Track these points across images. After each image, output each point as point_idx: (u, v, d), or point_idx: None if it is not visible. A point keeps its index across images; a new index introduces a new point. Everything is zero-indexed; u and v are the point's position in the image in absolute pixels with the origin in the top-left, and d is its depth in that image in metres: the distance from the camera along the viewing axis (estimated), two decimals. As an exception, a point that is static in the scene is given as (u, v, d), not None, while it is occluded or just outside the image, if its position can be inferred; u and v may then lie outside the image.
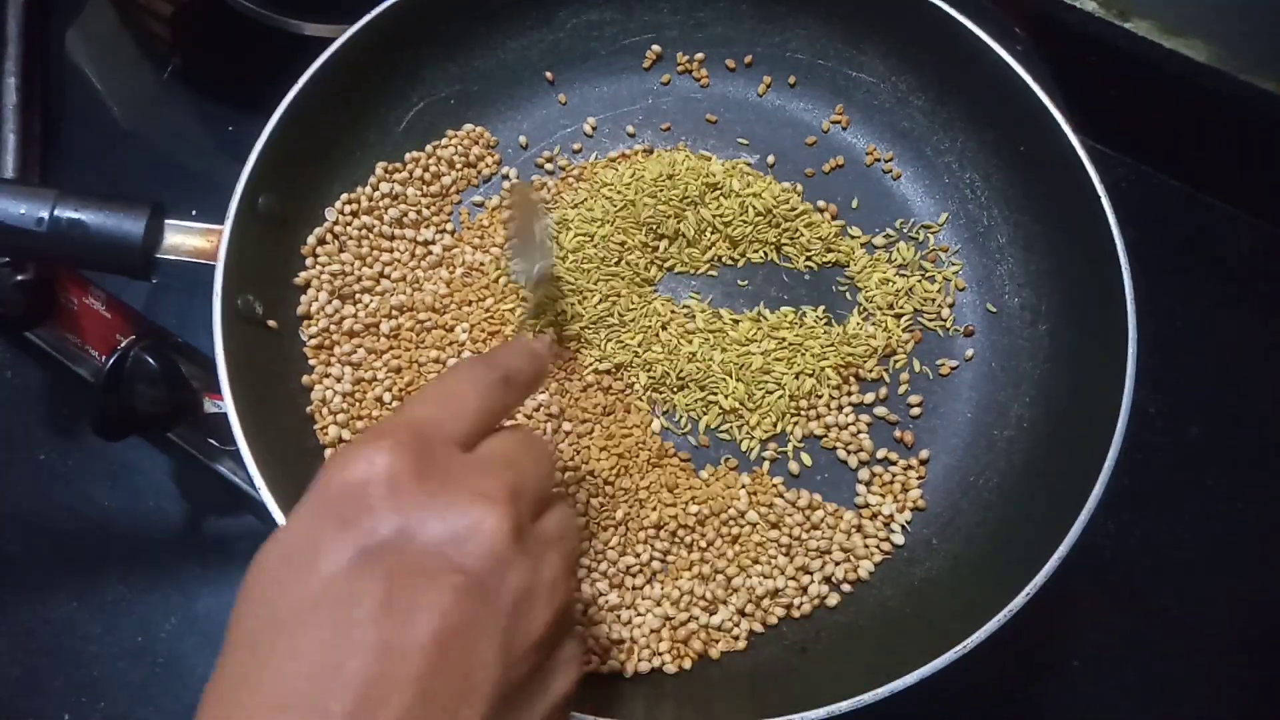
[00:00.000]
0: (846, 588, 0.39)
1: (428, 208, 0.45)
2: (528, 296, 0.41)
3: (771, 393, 0.42)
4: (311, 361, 0.42)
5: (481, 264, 0.44)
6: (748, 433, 0.41)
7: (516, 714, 0.22)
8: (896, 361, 0.43)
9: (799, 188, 0.47)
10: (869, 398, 0.43)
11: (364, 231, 0.44)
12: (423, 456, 0.23)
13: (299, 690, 0.19)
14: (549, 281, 0.39)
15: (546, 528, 0.24)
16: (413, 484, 0.22)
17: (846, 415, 0.42)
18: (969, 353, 0.44)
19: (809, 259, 0.45)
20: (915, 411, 0.43)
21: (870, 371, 0.43)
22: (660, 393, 0.42)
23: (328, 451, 0.40)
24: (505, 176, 0.47)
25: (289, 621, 0.20)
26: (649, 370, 0.42)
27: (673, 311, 0.43)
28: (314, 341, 0.42)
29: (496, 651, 0.21)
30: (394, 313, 0.43)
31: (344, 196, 0.44)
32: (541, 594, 0.23)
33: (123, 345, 0.44)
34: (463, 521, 0.22)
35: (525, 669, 0.22)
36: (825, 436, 0.42)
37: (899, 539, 0.40)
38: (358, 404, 0.41)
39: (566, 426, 0.40)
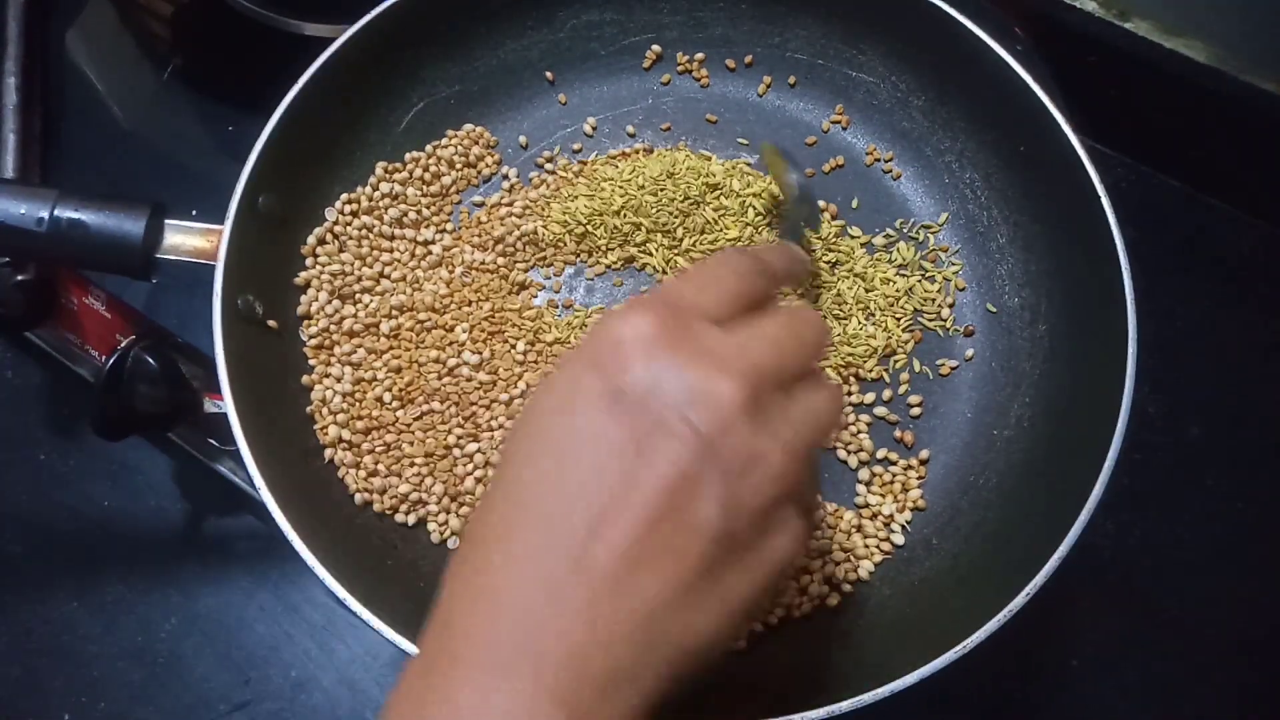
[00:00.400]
0: (846, 588, 0.39)
1: (428, 208, 0.45)
2: (788, 212, 0.42)
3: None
4: (311, 361, 0.42)
5: (482, 263, 0.44)
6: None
7: (735, 562, 0.23)
8: (896, 361, 0.43)
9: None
10: (869, 398, 0.43)
11: (364, 231, 0.44)
12: (677, 325, 0.24)
13: (545, 501, 0.23)
14: (803, 218, 0.41)
15: (792, 404, 0.25)
16: (664, 346, 0.24)
17: (846, 415, 0.42)
18: (969, 353, 0.44)
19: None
20: (915, 411, 0.43)
21: (870, 371, 0.43)
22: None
23: (328, 452, 0.40)
24: (505, 176, 0.47)
25: (547, 447, 0.24)
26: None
27: None
28: (314, 341, 0.42)
29: (717, 504, 0.23)
30: (394, 313, 0.43)
31: (344, 196, 0.44)
32: (764, 464, 0.24)
33: (123, 345, 0.44)
34: (699, 385, 0.23)
35: (743, 527, 0.23)
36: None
37: (899, 539, 0.40)
38: (358, 404, 0.41)
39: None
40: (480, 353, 0.42)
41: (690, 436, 0.23)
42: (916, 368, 0.43)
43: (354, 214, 0.44)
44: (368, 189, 0.45)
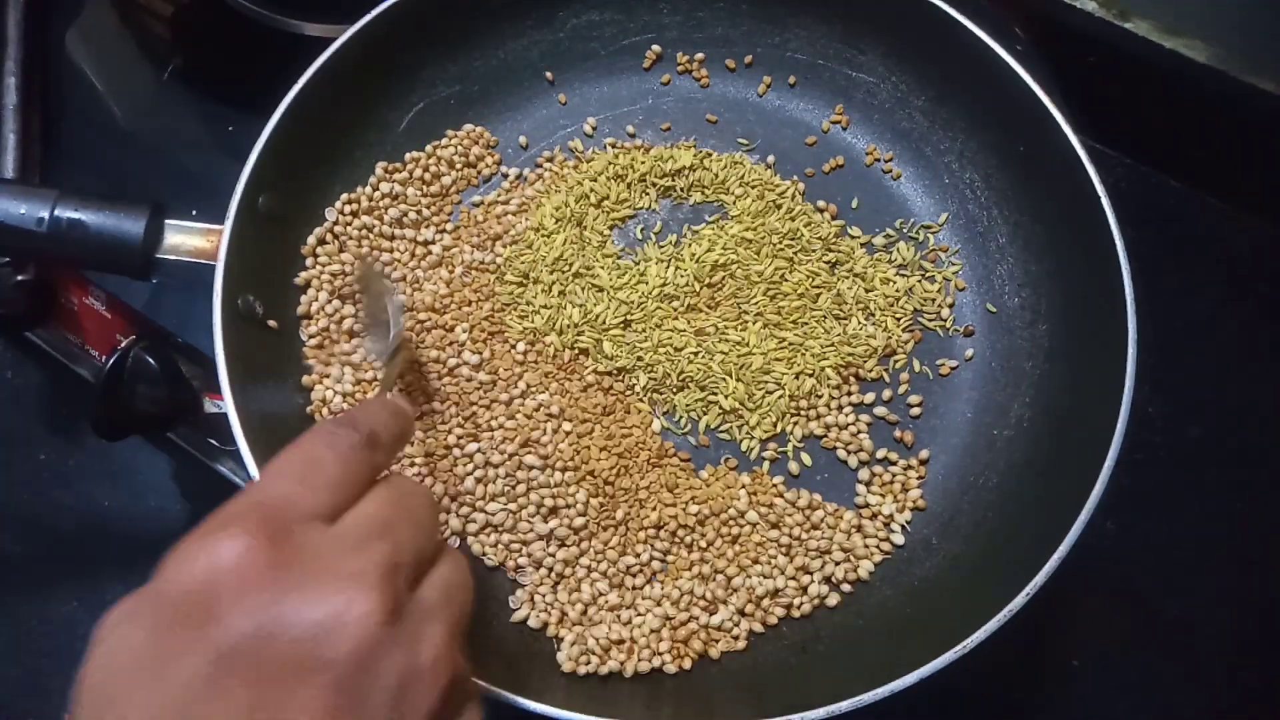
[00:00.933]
0: (846, 588, 0.39)
1: (428, 208, 0.45)
2: (382, 369, 0.39)
3: (771, 393, 0.42)
4: (311, 361, 0.41)
5: (481, 262, 0.44)
6: (748, 433, 0.41)
7: None
8: (896, 361, 0.43)
9: (800, 185, 0.47)
10: (869, 398, 0.43)
11: (364, 231, 0.44)
12: (276, 540, 0.21)
13: None
14: (402, 350, 0.39)
15: (427, 595, 0.22)
16: (267, 574, 0.20)
17: (846, 415, 0.42)
18: (969, 353, 0.44)
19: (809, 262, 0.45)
20: (915, 411, 0.43)
21: (870, 371, 0.43)
22: (661, 393, 0.42)
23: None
24: (505, 176, 0.47)
25: None
26: (649, 370, 0.42)
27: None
28: (314, 341, 0.42)
29: None
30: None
31: (344, 196, 0.44)
32: (424, 677, 0.21)
33: (123, 345, 0.44)
34: (326, 611, 0.20)
35: None
36: (825, 436, 0.42)
37: (899, 539, 0.40)
38: (357, 404, 0.41)
39: (566, 426, 0.40)
40: (480, 353, 0.42)
41: (329, 680, 0.19)
42: (916, 368, 0.43)
43: (354, 214, 0.44)
44: (368, 189, 0.45)
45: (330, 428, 0.24)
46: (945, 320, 0.44)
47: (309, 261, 0.43)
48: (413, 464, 0.40)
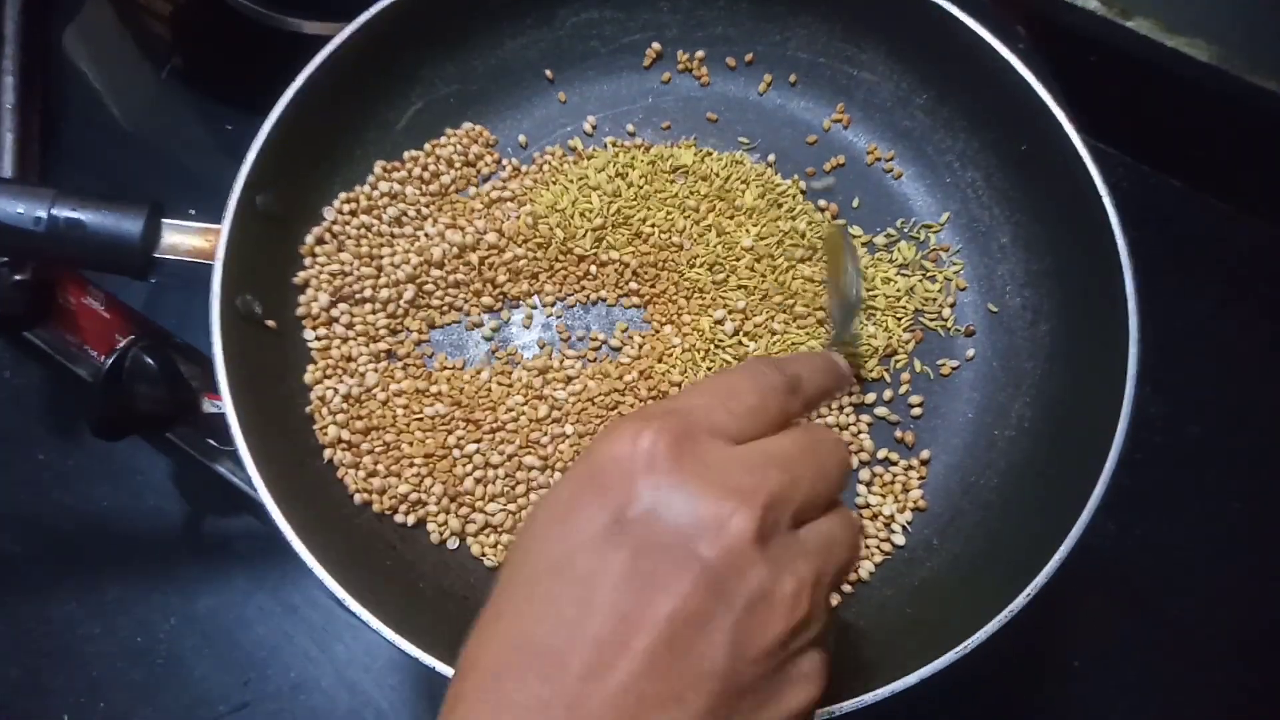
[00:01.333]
0: (847, 588, 0.39)
1: (427, 206, 0.45)
2: (837, 324, 0.41)
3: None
4: (320, 361, 0.41)
5: (473, 246, 0.44)
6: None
7: (746, 712, 0.22)
8: (897, 361, 0.43)
9: (801, 184, 0.47)
10: (870, 398, 0.43)
11: (363, 231, 0.44)
12: (684, 442, 0.23)
13: (541, 638, 0.21)
14: (856, 316, 0.40)
15: (808, 537, 0.24)
16: (669, 466, 0.22)
17: (847, 415, 0.42)
18: (970, 352, 0.44)
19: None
20: (916, 411, 0.43)
21: (871, 371, 0.43)
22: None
23: (327, 452, 0.40)
24: (503, 166, 0.47)
25: (545, 574, 0.22)
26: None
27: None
28: (321, 344, 0.41)
29: (724, 646, 0.21)
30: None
31: (343, 195, 0.44)
32: (778, 602, 0.22)
33: (121, 345, 0.44)
34: (707, 513, 0.22)
35: (754, 671, 0.22)
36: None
37: (899, 539, 0.40)
38: (358, 404, 0.41)
39: (569, 429, 0.40)
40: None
41: (696, 570, 0.21)
42: (917, 368, 0.43)
43: (353, 213, 0.44)
44: (366, 188, 0.45)
45: (758, 365, 0.26)
46: (946, 320, 0.44)
47: (307, 261, 0.43)
48: (412, 464, 0.40)
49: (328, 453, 0.40)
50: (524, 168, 0.47)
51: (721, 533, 0.22)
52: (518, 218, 0.45)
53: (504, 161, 0.47)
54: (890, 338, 0.43)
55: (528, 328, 0.43)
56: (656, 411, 0.24)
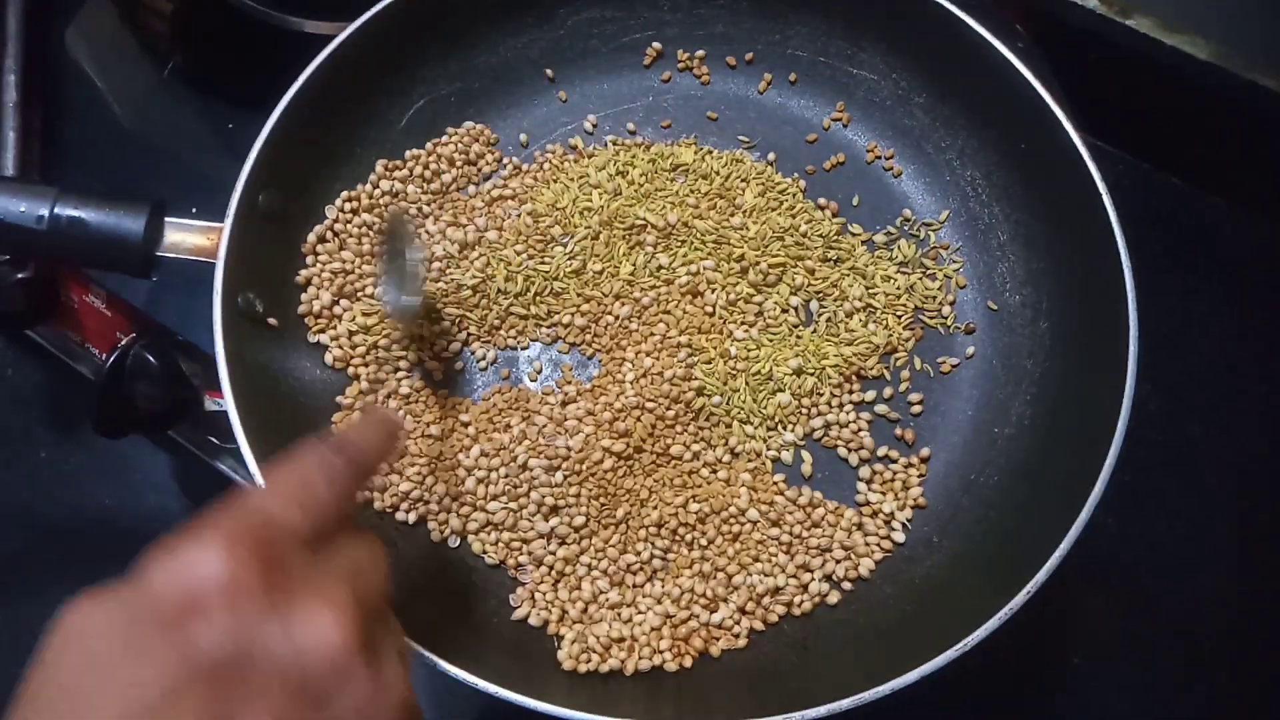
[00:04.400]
0: (847, 586, 0.39)
1: (428, 205, 0.45)
2: (396, 325, 0.40)
3: (773, 392, 0.42)
4: (335, 367, 0.41)
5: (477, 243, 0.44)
6: (749, 431, 0.41)
7: None
8: (897, 359, 0.43)
9: (801, 183, 0.47)
10: (869, 395, 0.43)
11: (364, 229, 0.44)
12: (264, 559, 0.21)
13: None
14: (414, 314, 0.39)
15: (383, 636, 0.23)
16: (257, 592, 0.20)
17: (847, 413, 0.42)
18: (970, 350, 0.44)
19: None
20: (916, 409, 0.43)
21: (871, 369, 0.43)
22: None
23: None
24: (503, 165, 0.47)
25: None
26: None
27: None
28: (337, 353, 0.41)
29: None
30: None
31: (344, 194, 0.44)
32: (385, 705, 0.22)
33: (123, 343, 0.44)
34: (310, 632, 0.21)
35: None
36: (826, 435, 0.42)
37: (900, 537, 0.40)
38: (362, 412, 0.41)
39: (575, 441, 0.40)
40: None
41: (298, 697, 0.20)
42: (917, 365, 0.43)
43: (354, 211, 0.44)
44: (368, 186, 0.45)
45: (325, 452, 0.25)
46: (946, 318, 0.44)
47: (309, 259, 0.43)
48: (414, 463, 0.40)
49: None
50: (525, 166, 0.47)
51: (326, 650, 0.21)
52: (518, 216, 0.45)
53: (505, 160, 0.47)
54: (890, 335, 0.43)
55: (526, 352, 0.43)
56: (226, 525, 0.21)
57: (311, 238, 0.43)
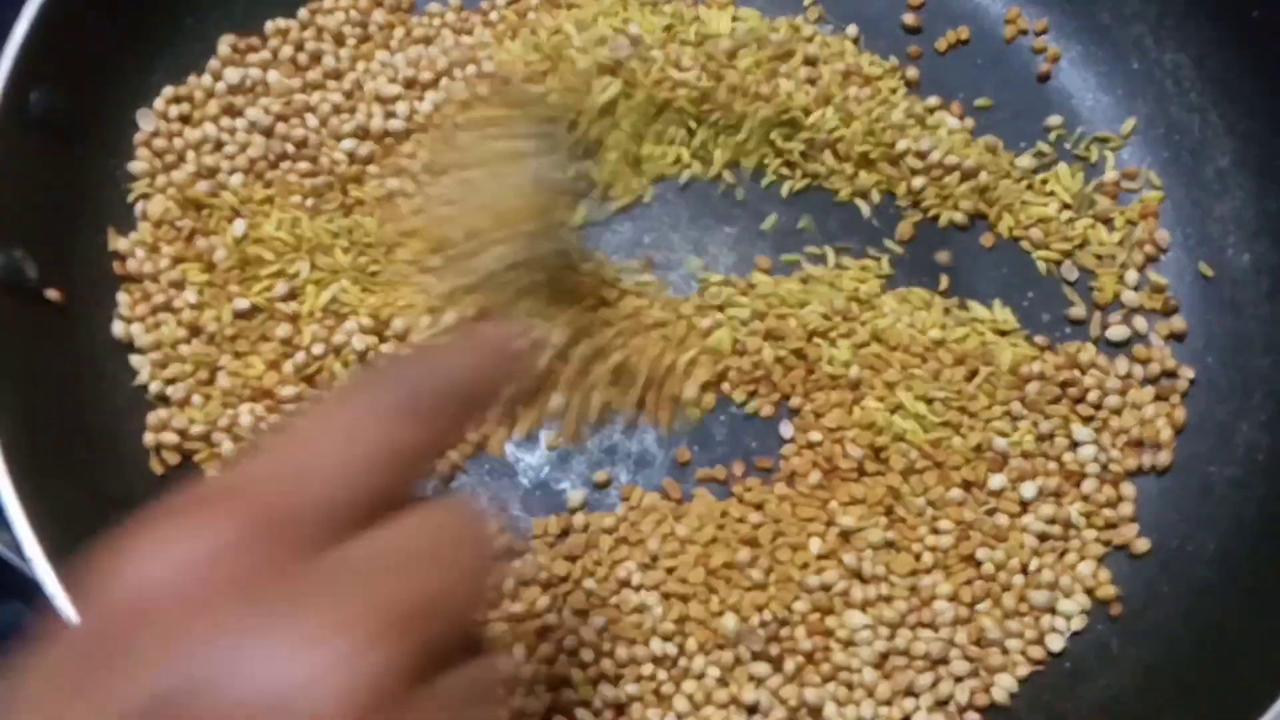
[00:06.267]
0: (974, 715, 0.39)
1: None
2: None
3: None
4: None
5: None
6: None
7: None
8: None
9: (904, 71, 0.47)
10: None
11: (204, 145, 0.44)
12: (258, 551, 0.21)
13: None
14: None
15: (449, 688, 0.23)
16: (234, 599, 0.21)
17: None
18: (1166, 338, 0.44)
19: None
20: (1084, 436, 0.43)
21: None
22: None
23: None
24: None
25: None
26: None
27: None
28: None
29: None
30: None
31: (168, 91, 0.44)
32: None
33: None
34: (304, 667, 0.20)
35: None
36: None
37: (1056, 643, 0.40)
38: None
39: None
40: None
41: None
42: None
43: (184, 119, 0.44)
44: (206, 77, 0.45)
45: (383, 376, 0.25)
46: (1133, 288, 0.45)
47: (134, 189, 0.43)
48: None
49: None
50: (469, 16, 0.47)
51: (326, 700, 0.20)
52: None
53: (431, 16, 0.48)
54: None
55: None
56: (208, 497, 0.22)
57: (141, 164, 0.43)
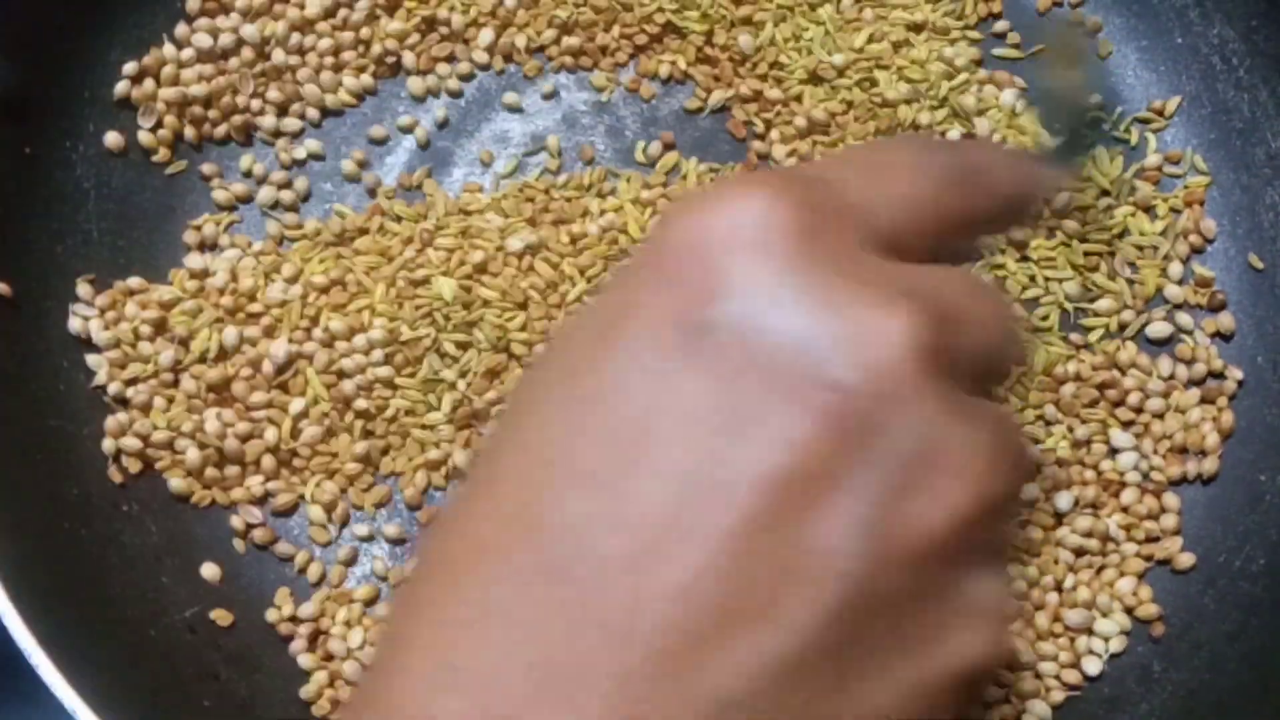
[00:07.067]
0: (993, 749, 0.40)
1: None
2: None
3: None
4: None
5: None
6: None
7: (879, 642, 0.21)
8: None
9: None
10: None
11: (172, 112, 0.44)
12: (818, 221, 0.22)
13: (574, 507, 0.21)
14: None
15: (984, 405, 0.24)
16: (790, 248, 0.22)
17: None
18: (1213, 336, 0.44)
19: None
20: (1123, 441, 0.43)
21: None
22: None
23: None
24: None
25: (582, 409, 0.22)
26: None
27: None
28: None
29: (862, 524, 0.21)
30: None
31: (131, 65, 0.44)
32: (957, 470, 0.22)
33: None
34: (855, 319, 0.21)
35: (898, 582, 0.21)
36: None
37: (1093, 666, 0.40)
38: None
39: None
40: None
41: (828, 401, 0.21)
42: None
43: (150, 97, 0.44)
44: (168, 48, 0.44)
45: (929, 141, 0.27)
46: (1176, 282, 0.44)
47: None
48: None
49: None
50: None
51: (877, 346, 0.21)
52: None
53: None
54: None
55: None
56: (779, 175, 0.24)
57: (111, 140, 0.43)
